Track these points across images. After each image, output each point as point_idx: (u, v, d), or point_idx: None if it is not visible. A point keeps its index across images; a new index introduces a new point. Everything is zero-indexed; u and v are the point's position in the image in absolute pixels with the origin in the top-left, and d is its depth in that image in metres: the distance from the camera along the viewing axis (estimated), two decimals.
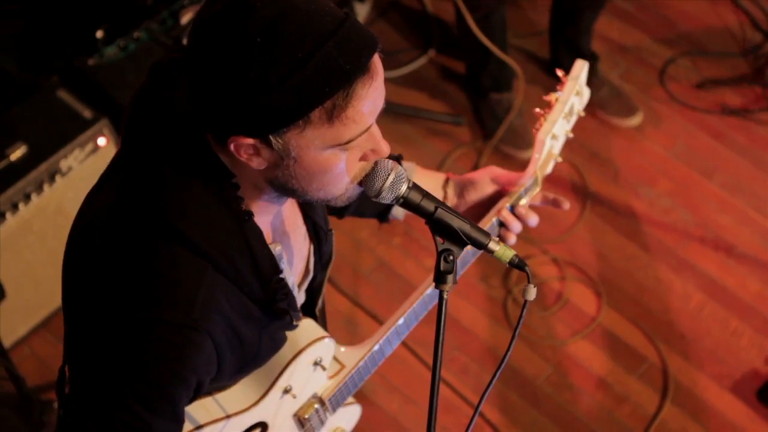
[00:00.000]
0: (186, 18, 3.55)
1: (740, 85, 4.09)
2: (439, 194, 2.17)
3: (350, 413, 2.28)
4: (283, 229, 1.83)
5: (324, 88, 1.48)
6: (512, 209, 2.15)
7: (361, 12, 4.25)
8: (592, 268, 3.64)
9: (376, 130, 1.60)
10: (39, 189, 3.18)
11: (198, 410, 1.91)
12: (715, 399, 3.38)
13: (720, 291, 3.59)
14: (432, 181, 2.19)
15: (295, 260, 1.89)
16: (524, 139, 3.93)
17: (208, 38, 1.51)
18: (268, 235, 1.74)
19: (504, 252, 1.66)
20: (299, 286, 1.96)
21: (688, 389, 3.40)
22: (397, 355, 3.46)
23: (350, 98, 1.50)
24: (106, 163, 1.77)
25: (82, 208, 1.74)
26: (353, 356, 2.12)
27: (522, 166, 3.85)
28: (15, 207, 3.14)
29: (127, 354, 1.61)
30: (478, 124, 4.02)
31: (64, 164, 3.20)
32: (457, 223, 1.65)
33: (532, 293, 1.66)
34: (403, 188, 1.65)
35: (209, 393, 1.92)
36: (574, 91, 2.20)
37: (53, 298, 3.37)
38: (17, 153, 3.16)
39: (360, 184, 1.65)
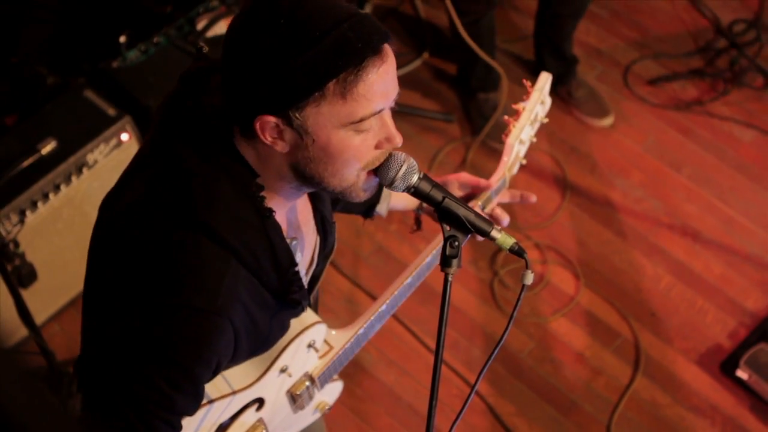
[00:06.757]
0: (201, 24, 3.53)
1: (712, 84, 4.09)
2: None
3: (333, 389, 2.27)
4: (297, 223, 1.83)
5: (337, 61, 1.50)
6: (484, 209, 2.15)
7: None
8: (571, 253, 3.66)
9: (389, 120, 1.62)
10: (67, 180, 3.17)
11: (209, 387, 1.90)
12: (683, 371, 3.39)
13: (687, 273, 3.60)
14: None
15: (304, 251, 1.89)
16: None
17: (239, 28, 1.55)
18: (285, 230, 1.74)
19: (505, 240, 1.67)
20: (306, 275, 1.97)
21: (657, 362, 3.42)
22: (393, 332, 3.48)
23: (361, 75, 1.52)
24: (129, 156, 1.76)
25: (107, 203, 1.70)
26: (341, 338, 2.13)
27: None
28: (46, 197, 3.13)
29: (156, 336, 1.59)
30: (467, 122, 4.02)
31: (90, 158, 3.20)
32: (462, 212, 1.66)
33: (529, 278, 1.64)
34: (415, 178, 1.66)
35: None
36: (539, 100, 2.21)
37: (80, 280, 3.19)
38: (47, 147, 3.15)
39: (375, 173, 1.65)
